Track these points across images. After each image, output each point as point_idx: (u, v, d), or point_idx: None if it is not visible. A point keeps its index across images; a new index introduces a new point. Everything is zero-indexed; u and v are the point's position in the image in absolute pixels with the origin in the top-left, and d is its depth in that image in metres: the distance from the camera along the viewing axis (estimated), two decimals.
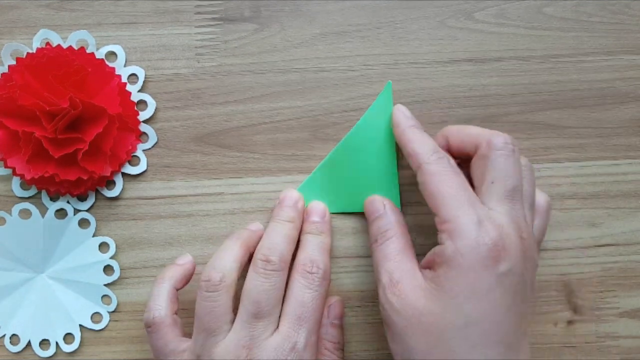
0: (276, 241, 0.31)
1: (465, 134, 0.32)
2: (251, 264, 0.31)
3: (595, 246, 0.35)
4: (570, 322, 0.35)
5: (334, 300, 0.34)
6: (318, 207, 0.34)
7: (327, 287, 0.31)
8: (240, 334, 0.29)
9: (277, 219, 0.33)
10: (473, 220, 0.28)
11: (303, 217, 0.34)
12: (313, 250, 0.32)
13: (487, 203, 0.29)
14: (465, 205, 0.28)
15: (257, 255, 0.31)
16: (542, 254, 0.35)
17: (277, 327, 0.30)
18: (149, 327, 0.31)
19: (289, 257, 0.31)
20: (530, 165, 0.32)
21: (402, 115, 0.32)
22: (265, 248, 0.31)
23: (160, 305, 0.31)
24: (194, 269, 0.34)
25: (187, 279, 0.33)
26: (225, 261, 0.31)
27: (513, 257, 0.27)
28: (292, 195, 0.34)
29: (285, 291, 0.31)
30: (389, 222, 0.32)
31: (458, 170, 0.30)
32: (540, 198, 0.32)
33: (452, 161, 0.30)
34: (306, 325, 0.30)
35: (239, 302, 0.30)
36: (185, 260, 0.33)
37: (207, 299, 0.30)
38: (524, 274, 0.28)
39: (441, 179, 0.29)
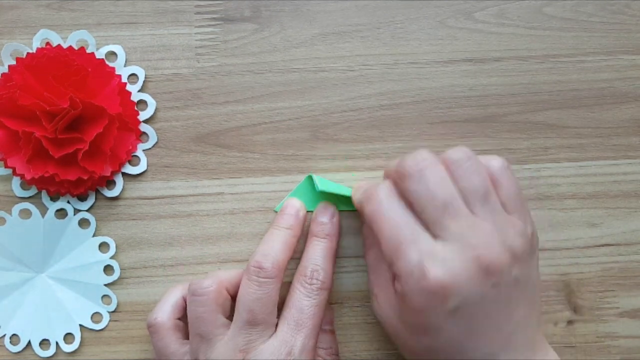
0: (271, 247, 0.31)
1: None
2: (245, 270, 0.31)
3: (595, 246, 0.35)
4: (570, 322, 0.35)
5: None
6: (327, 208, 0.34)
7: (327, 295, 0.31)
8: (237, 339, 0.29)
9: (275, 226, 0.33)
10: (412, 261, 0.27)
11: (304, 223, 0.34)
12: (316, 257, 0.32)
13: (439, 231, 0.28)
14: (404, 245, 0.28)
15: (251, 262, 0.30)
16: (541, 254, 0.35)
17: (275, 330, 0.30)
18: (150, 327, 0.32)
19: (284, 264, 0.31)
20: (469, 159, 0.29)
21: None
22: (259, 254, 0.31)
23: (164, 310, 0.32)
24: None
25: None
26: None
27: (464, 288, 0.27)
28: (294, 203, 0.34)
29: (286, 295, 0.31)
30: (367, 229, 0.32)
31: (393, 202, 0.29)
32: (493, 163, 0.30)
33: (386, 190, 0.29)
34: (304, 331, 0.30)
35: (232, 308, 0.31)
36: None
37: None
38: (487, 293, 0.27)
39: (377, 220, 0.29)
